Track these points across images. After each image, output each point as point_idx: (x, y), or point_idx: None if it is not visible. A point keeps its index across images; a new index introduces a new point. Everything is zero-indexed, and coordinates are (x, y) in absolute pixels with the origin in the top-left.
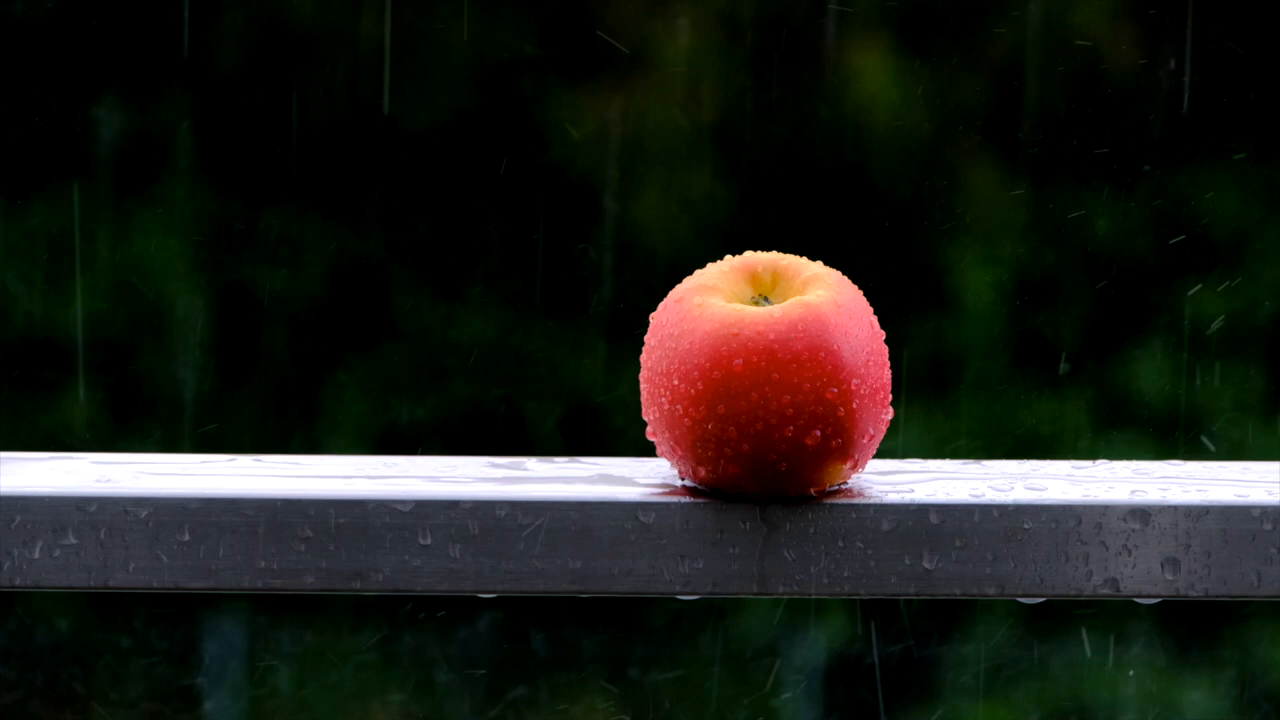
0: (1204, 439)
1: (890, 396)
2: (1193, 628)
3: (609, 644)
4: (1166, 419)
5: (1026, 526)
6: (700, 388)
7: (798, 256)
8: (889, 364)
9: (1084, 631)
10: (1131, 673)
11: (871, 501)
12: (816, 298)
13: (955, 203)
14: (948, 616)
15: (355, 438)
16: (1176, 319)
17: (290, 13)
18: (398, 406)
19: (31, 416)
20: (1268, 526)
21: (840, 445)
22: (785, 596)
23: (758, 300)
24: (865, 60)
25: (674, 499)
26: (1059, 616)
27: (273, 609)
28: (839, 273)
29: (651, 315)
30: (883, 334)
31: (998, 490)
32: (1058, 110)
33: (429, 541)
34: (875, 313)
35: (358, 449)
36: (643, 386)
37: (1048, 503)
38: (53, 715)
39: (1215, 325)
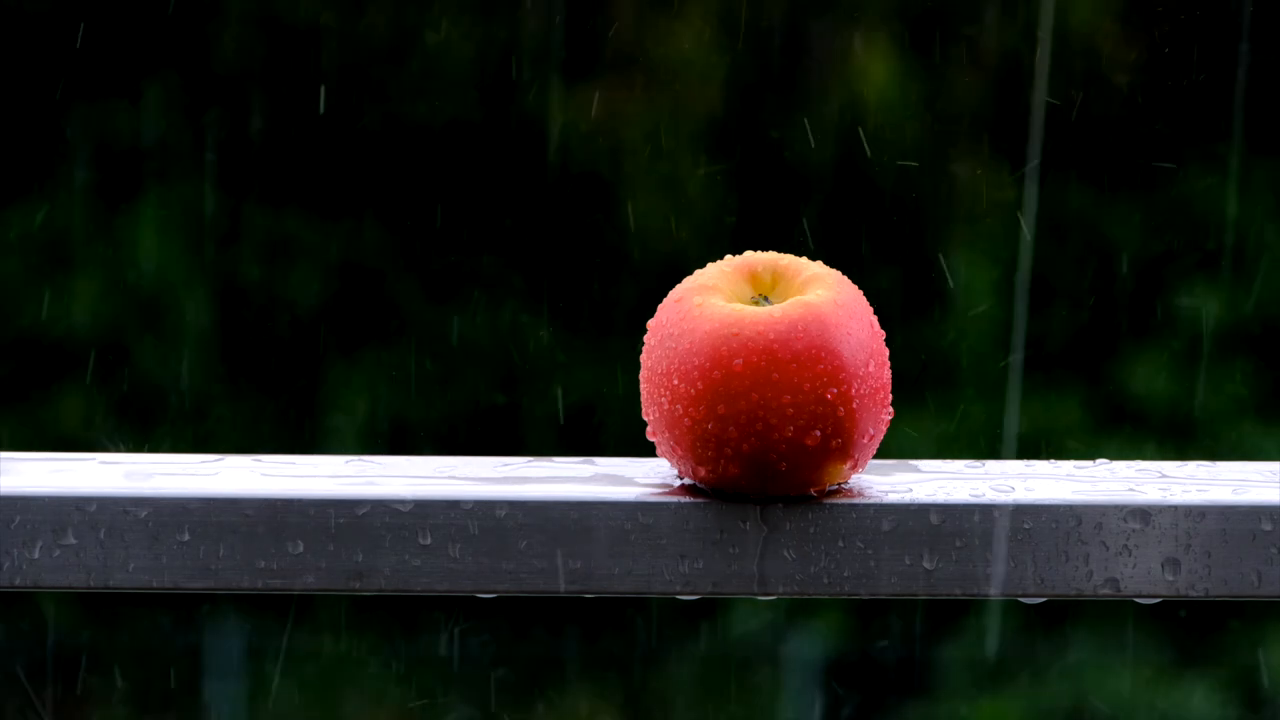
0: (1204, 439)
1: (890, 396)
2: (1193, 628)
3: (608, 644)
4: (1166, 419)
5: (1026, 526)
6: (700, 388)
7: (797, 256)
8: (889, 364)
9: (1084, 631)
10: (1131, 673)
11: (871, 501)
12: (816, 298)
13: (955, 202)
14: (947, 616)
15: (356, 437)
16: (1177, 319)
17: (291, 11)
18: (398, 406)
19: (31, 417)
20: (1268, 526)
21: (840, 445)
22: (785, 596)
23: (758, 300)
24: (865, 60)
25: (674, 499)
26: (1059, 616)
27: (273, 609)
28: (839, 273)
29: (651, 316)
30: (883, 334)
31: (998, 490)
32: (1058, 109)
33: (429, 541)
34: (875, 313)
35: (358, 448)
36: (643, 387)
37: (1048, 503)
38: (52, 715)
39: (1215, 325)
